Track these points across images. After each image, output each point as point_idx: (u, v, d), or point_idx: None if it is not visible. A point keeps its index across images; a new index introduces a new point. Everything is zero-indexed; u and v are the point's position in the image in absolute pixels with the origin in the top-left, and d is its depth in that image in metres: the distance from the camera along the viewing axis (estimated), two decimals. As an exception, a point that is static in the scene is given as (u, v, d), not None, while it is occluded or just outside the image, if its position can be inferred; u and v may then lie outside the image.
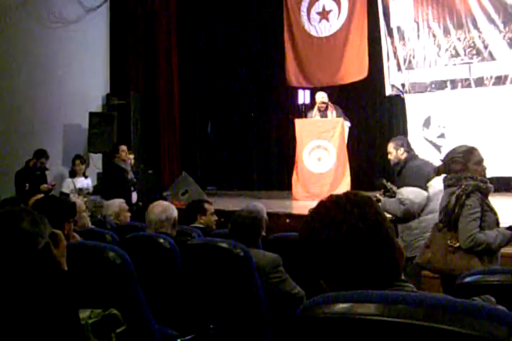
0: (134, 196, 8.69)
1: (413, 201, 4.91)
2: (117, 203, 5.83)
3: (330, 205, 1.50)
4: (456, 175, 3.82)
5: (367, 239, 1.41)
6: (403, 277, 1.45)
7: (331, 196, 1.54)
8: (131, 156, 9.44)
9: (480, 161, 3.88)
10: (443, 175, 4.02)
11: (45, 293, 2.25)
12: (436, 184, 4.66)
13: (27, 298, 2.21)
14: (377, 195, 5.19)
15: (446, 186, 3.91)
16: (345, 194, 1.54)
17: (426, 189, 4.95)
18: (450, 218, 3.69)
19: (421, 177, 5.01)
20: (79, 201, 4.89)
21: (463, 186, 3.71)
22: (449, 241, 3.68)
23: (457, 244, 3.65)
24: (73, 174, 9.06)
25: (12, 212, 2.42)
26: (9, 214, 2.39)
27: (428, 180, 4.92)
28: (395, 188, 5.22)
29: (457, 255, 3.65)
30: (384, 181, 5.33)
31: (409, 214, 4.96)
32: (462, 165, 3.84)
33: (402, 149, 5.31)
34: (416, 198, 4.93)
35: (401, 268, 1.46)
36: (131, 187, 8.61)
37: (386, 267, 1.42)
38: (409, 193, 4.96)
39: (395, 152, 5.34)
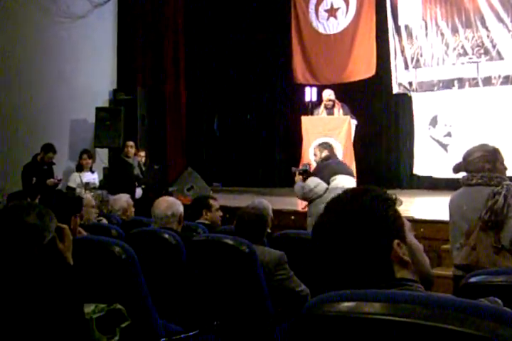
0: (139, 192, 8.71)
1: (311, 188, 6.11)
2: (125, 198, 5.84)
3: (337, 199, 1.52)
4: (487, 173, 3.78)
5: (362, 234, 1.42)
6: (413, 277, 1.44)
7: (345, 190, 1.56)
8: (143, 154, 9.44)
9: (503, 161, 3.89)
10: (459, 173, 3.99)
11: (50, 287, 2.25)
12: (339, 181, 6.08)
13: (32, 292, 2.21)
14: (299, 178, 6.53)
15: (471, 184, 3.85)
16: (353, 189, 1.56)
17: (328, 183, 6.12)
18: (498, 218, 3.63)
19: (326, 172, 6.20)
20: (88, 196, 4.90)
21: (505, 186, 3.66)
22: (493, 242, 3.65)
23: (500, 245, 3.63)
24: (80, 168, 9.08)
25: (18, 206, 2.42)
26: (16, 208, 2.40)
27: (332, 176, 6.15)
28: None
29: (501, 255, 3.61)
30: (307, 167, 6.62)
31: (306, 198, 6.27)
32: (492, 164, 3.82)
33: (325, 151, 6.48)
34: (315, 187, 6.09)
35: (410, 268, 1.46)
36: (135, 183, 8.62)
37: (378, 266, 1.42)
38: (311, 182, 6.18)
39: (319, 154, 6.52)
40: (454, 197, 4.02)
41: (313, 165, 6.72)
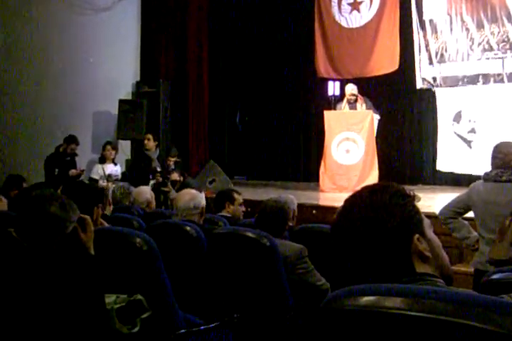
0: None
1: None
2: (148, 190, 5.87)
3: (355, 195, 1.53)
4: None
5: (382, 229, 1.42)
6: (434, 272, 1.44)
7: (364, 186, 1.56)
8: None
9: None
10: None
11: (72, 277, 2.27)
12: None
13: (54, 281, 2.23)
14: None
15: (501, 181, 3.87)
16: (372, 185, 1.56)
17: None
18: None
19: None
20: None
21: None
22: None
23: None
24: (103, 160, 9.13)
25: (42, 197, 2.45)
26: (39, 199, 2.43)
27: None
28: None
29: None
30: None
31: None
32: None
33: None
34: None
35: (431, 263, 1.45)
36: (149, 175, 8.65)
37: (398, 260, 1.42)
38: None
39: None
40: (480, 192, 4.01)
41: None
